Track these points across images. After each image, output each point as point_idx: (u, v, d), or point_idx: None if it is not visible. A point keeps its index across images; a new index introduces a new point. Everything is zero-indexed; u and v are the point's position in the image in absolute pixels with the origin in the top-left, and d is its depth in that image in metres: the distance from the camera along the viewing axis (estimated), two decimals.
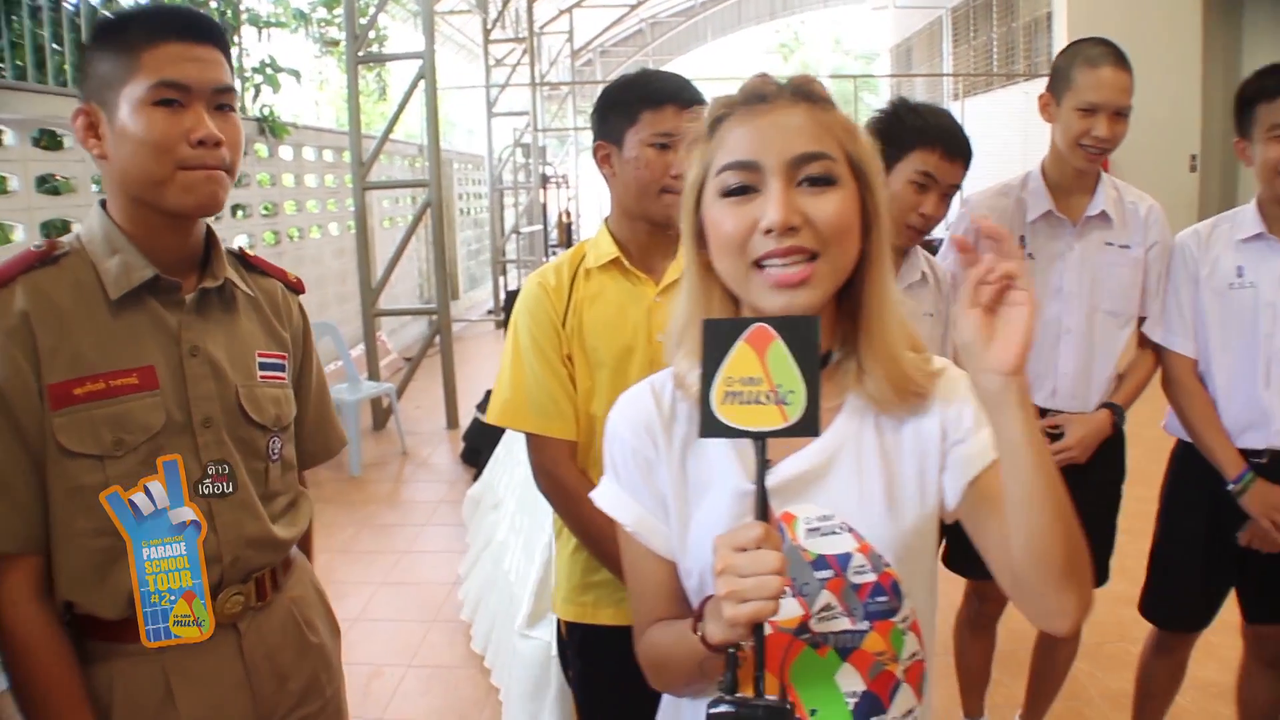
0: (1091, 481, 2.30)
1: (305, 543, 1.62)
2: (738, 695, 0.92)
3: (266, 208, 7.00)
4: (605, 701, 1.85)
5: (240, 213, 6.52)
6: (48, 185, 4.57)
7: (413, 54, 6.94)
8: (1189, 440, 2.28)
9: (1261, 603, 2.25)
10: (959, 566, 2.55)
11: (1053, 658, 2.62)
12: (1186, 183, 10.36)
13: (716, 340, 0.96)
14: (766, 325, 0.95)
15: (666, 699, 1.22)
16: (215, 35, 1.32)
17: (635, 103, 1.76)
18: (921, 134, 2.01)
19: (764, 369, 0.94)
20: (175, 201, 1.28)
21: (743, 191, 1.04)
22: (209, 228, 1.43)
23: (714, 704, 0.92)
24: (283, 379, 1.47)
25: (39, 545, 1.26)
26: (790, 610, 1.04)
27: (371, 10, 7.25)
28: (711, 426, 0.95)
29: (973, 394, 1.12)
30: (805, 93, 1.08)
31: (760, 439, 0.95)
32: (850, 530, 1.07)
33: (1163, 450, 2.44)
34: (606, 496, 1.18)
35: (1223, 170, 10.38)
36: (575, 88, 17.83)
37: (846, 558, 1.06)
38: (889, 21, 18.74)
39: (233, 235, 6.29)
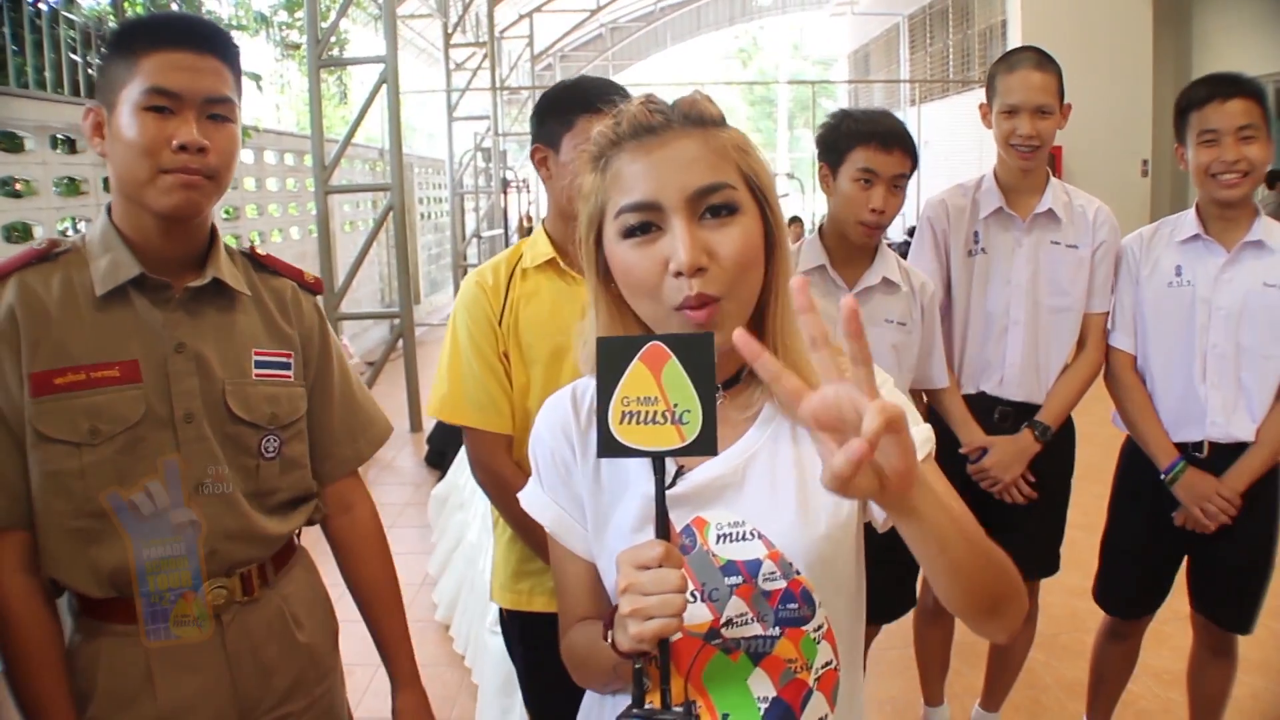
0: (1041, 475, 2.40)
1: (365, 545, 1.64)
2: (646, 707, 0.94)
3: (228, 211, 6.97)
4: (547, 686, 1.87)
5: (223, 212, 6.51)
6: (8, 189, 4.55)
7: (375, 58, 6.94)
8: None
9: (1204, 593, 2.35)
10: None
11: (1009, 647, 2.70)
12: (1138, 187, 10.63)
13: (611, 359, 0.94)
14: (661, 344, 0.93)
15: (589, 694, 1.23)
16: (217, 45, 1.35)
17: (572, 108, 1.81)
18: (856, 134, 2.11)
19: (660, 388, 0.93)
20: (154, 203, 1.32)
21: (645, 230, 1.02)
22: (214, 228, 1.46)
23: (622, 716, 0.94)
24: (286, 377, 1.49)
25: (24, 521, 1.32)
26: (700, 615, 1.04)
27: (333, 15, 7.24)
28: (609, 447, 0.94)
29: (896, 394, 1.13)
30: (696, 118, 1.05)
31: (658, 459, 0.94)
32: (761, 537, 1.07)
33: (1116, 448, 2.52)
34: (529, 497, 1.19)
35: (1173, 175, 10.67)
36: (535, 92, 17.86)
37: (756, 564, 1.06)
38: (847, 28, 18.98)
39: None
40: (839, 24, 19.18)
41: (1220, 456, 2.22)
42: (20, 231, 4.51)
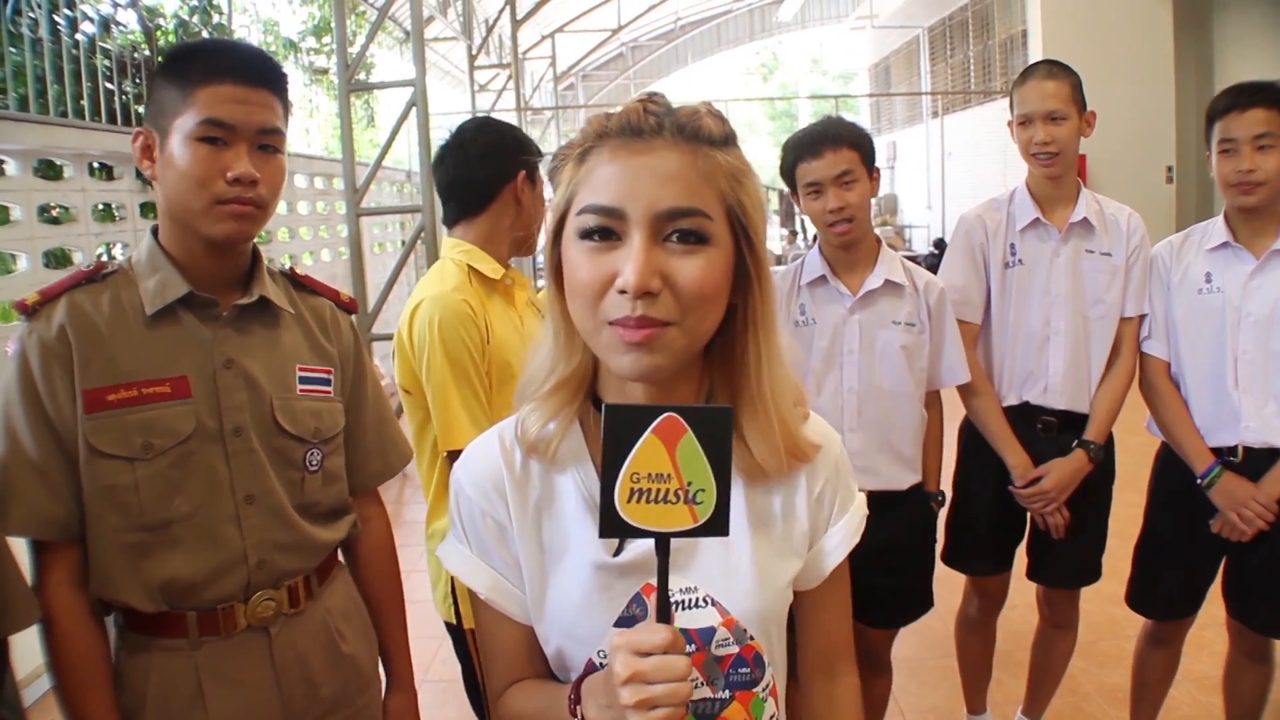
0: (1083, 483, 2.42)
1: (378, 558, 1.69)
2: None
3: (260, 236, 7.06)
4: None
5: None
6: (47, 216, 4.64)
7: (404, 82, 7.02)
8: None
9: (1240, 597, 2.36)
10: (957, 563, 2.64)
11: (1050, 654, 2.71)
12: (1163, 194, 10.58)
13: (621, 430, 0.86)
14: (678, 416, 0.86)
15: None
16: (270, 79, 1.41)
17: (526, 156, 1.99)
18: (793, 152, 2.22)
19: (674, 465, 0.86)
20: (207, 231, 1.38)
21: (604, 236, 0.93)
22: (255, 249, 1.52)
23: None
24: (327, 393, 1.54)
25: (76, 536, 1.36)
26: None
27: (360, 40, 7.35)
28: (614, 527, 0.87)
29: (844, 463, 1.14)
30: (691, 132, 0.95)
31: (663, 540, 0.88)
32: (714, 603, 1.02)
33: (1150, 454, 2.53)
34: (455, 558, 1.09)
35: (1199, 181, 10.61)
36: (559, 112, 17.97)
37: (710, 631, 1.02)
38: (867, 41, 19.00)
39: None
40: (859, 38, 19.22)
41: (1255, 461, 2.23)
42: (59, 257, 4.60)
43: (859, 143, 2.19)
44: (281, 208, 7.40)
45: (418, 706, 1.72)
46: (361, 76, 9.00)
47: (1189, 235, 2.39)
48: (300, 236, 7.86)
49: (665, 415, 0.86)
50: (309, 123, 10.64)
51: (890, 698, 3.12)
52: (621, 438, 0.86)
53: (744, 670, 1.04)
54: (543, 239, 1.05)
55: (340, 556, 1.66)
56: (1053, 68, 2.41)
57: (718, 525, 0.87)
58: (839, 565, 1.12)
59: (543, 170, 2.02)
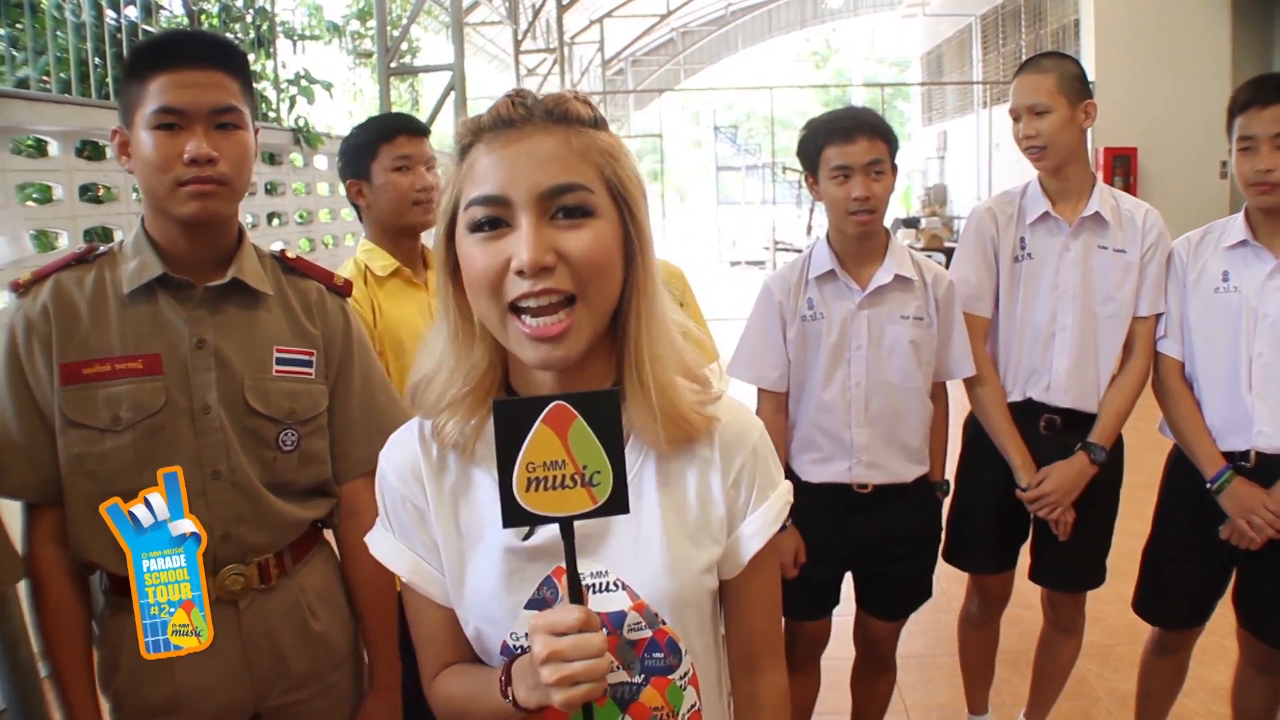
0: (1089, 485, 2.37)
1: (365, 553, 1.69)
2: None
3: (302, 215, 7.15)
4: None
5: (276, 220, 6.67)
6: (89, 194, 4.74)
7: (443, 66, 7.08)
8: None
9: (1250, 608, 2.30)
10: (956, 559, 2.61)
11: (1053, 657, 2.67)
12: (1216, 189, 10.31)
13: (511, 423, 0.89)
14: (566, 404, 0.89)
15: None
16: (219, 58, 1.46)
17: (373, 141, 2.15)
18: (821, 135, 2.20)
19: (567, 451, 0.89)
20: (175, 212, 1.45)
21: (493, 226, 0.96)
22: (241, 231, 1.57)
23: None
24: (307, 374, 1.58)
25: (55, 498, 1.46)
26: None
27: (403, 22, 7.40)
28: (516, 515, 0.90)
29: (764, 448, 1.13)
30: (560, 115, 0.99)
31: (568, 524, 0.91)
32: (625, 587, 1.04)
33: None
34: (380, 544, 1.13)
35: None
36: (607, 97, 17.97)
37: (621, 615, 1.03)
38: (919, 29, 18.74)
39: (267, 242, 6.42)
40: (911, 25, 18.95)
41: (1268, 467, 2.16)
42: (101, 235, 4.69)
43: (889, 136, 2.20)
44: (324, 188, 7.48)
45: (398, 709, 1.71)
46: (406, 60, 9.06)
47: (1207, 232, 2.31)
48: (342, 218, 7.93)
49: (553, 404, 0.89)
50: (353, 105, 10.72)
51: (898, 695, 3.11)
52: (512, 431, 0.89)
53: (658, 655, 1.06)
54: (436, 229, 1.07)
55: (323, 536, 1.69)
56: (1042, 60, 2.38)
57: (617, 504, 0.91)
58: (760, 555, 1.12)
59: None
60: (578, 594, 0.92)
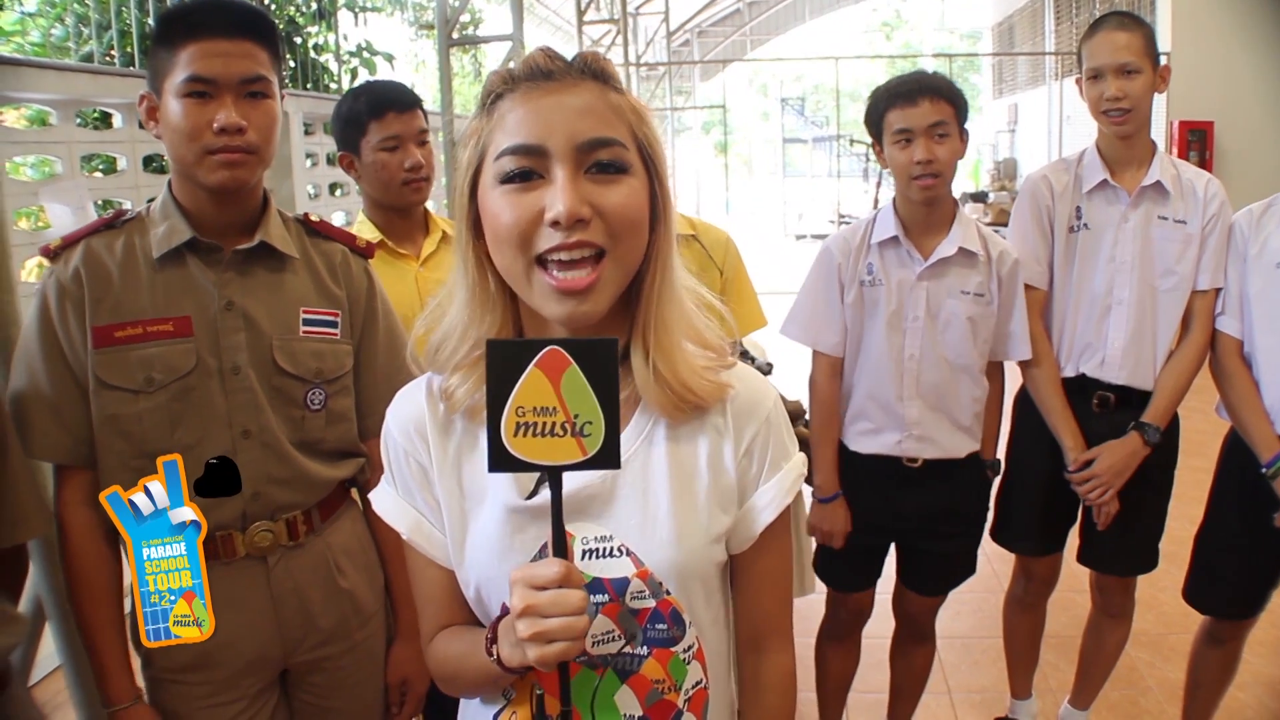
0: (1141, 466, 2.30)
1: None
2: None
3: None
4: None
5: (339, 191, 6.75)
6: (154, 165, 4.84)
7: (503, 36, 7.07)
8: None
9: None
10: (1004, 540, 2.56)
11: (1100, 643, 2.61)
12: None
13: (504, 364, 0.87)
14: (560, 349, 0.87)
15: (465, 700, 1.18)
16: (250, 28, 1.48)
17: (362, 115, 2.09)
18: (885, 100, 2.15)
19: (559, 398, 0.87)
20: (204, 180, 1.48)
21: (525, 178, 0.94)
22: (266, 195, 1.61)
23: None
24: (333, 335, 1.62)
25: (87, 461, 1.50)
26: None
27: None
28: (502, 460, 0.88)
29: (777, 419, 1.10)
30: (594, 70, 0.98)
31: (555, 473, 0.89)
32: (629, 554, 1.02)
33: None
34: (382, 500, 1.12)
35: None
36: (672, 68, 17.85)
37: (624, 582, 1.01)
38: None
39: (330, 211, 6.52)
40: None
41: None
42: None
43: (955, 98, 2.14)
44: None
45: (422, 657, 1.74)
46: (468, 31, 9.08)
47: (1271, 204, 2.20)
48: None
49: (548, 349, 0.86)
50: (415, 76, 10.79)
51: (940, 676, 3.07)
52: (504, 373, 0.87)
53: (661, 626, 1.03)
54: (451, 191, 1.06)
55: (352, 496, 1.72)
56: (1124, 19, 2.27)
57: (607, 457, 0.88)
58: (772, 528, 1.09)
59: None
60: (561, 548, 0.89)
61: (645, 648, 1.03)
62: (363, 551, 1.69)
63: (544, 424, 0.87)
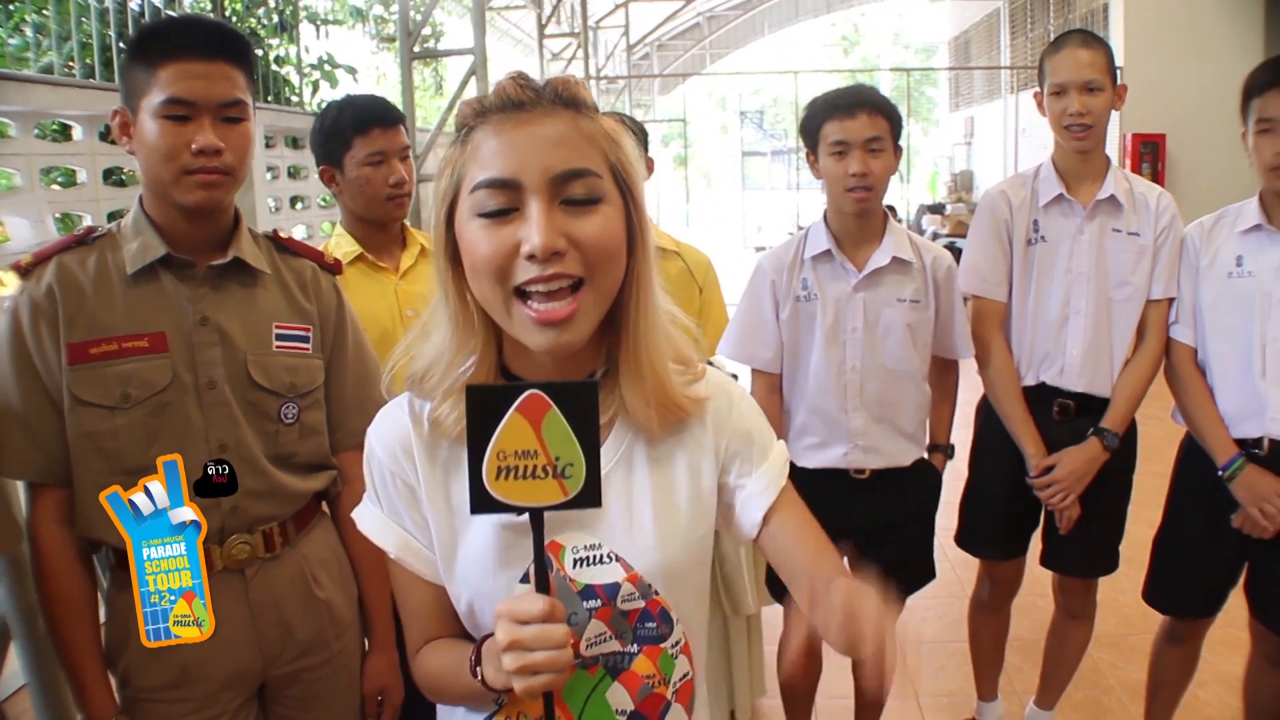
0: (1101, 471, 2.35)
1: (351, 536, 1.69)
2: None
3: (324, 200, 7.18)
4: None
5: (299, 204, 6.72)
6: (113, 178, 4.79)
7: (465, 50, 7.07)
8: None
9: (1262, 599, 2.27)
10: (968, 545, 2.61)
11: (1063, 644, 2.66)
12: (1248, 178, 10.12)
13: (484, 410, 0.87)
14: (541, 393, 0.87)
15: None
16: (230, 51, 1.49)
17: (346, 130, 2.09)
18: (822, 111, 2.18)
19: (540, 441, 0.87)
20: (179, 199, 1.48)
21: (501, 213, 0.94)
22: (237, 213, 1.61)
23: None
24: (305, 349, 1.62)
25: (61, 479, 1.48)
26: None
27: (425, 7, 7.40)
28: (483, 503, 0.89)
29: (750, 414, 1.14)
30: (566, 98, 0.98)
31: (537, 514, 0.90)
32: (618, 559, 1.04)
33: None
34: (369, 520, 1.11)
35: None
36: (632, 81, 17.92)
37: (615, 587, 1.04)
38: (947, 14, 18.55)
39: (291, 225, 6.48)
40: (938, 10, 18.77)
41: None
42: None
43: (891, 114, 2.17)
44: None
45: (397, 667, 1.76)
46: (429, 44, 9.07)
47: (1221, 216, 2.28)
48: None
49: (528, 393, 0.87)
50: (376, 89, 10.76)
51: (907, 680, 3.11)
52: (484, 417, 0.87)
53: (650, 625, 1.06)
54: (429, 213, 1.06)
55: (323, 508, 1.73)
56: (1086, 37, 2.33)
57: (588, 498, 0.89)
58: (776, 503, 1.11)
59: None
60: (544, 584, 0.91)
61: (636, 645, 1.06)
62: (337, 562, 1.70)
63: (525, 467, 0.88)
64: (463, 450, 1.01)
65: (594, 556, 1.04)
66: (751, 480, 1.12)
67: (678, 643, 1.09)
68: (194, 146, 1.44)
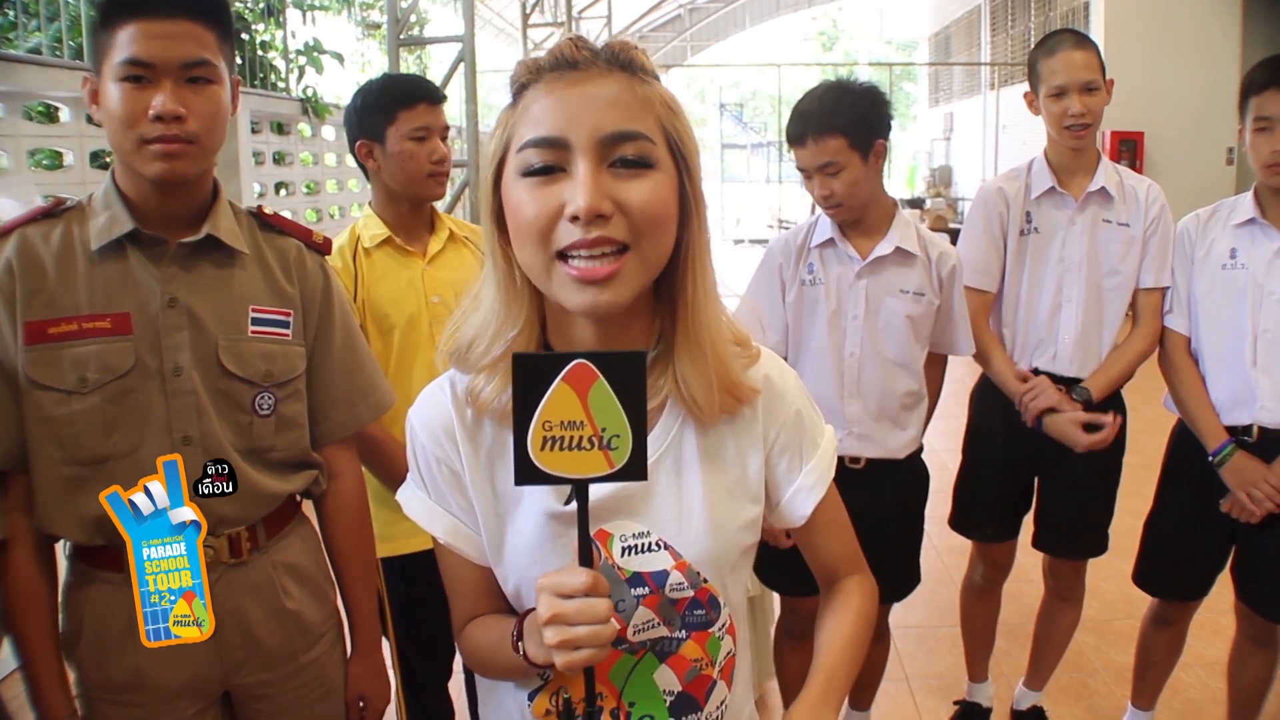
0: (1091, 454, 2.38)
1: (345, 516, 1.64)
2: None
3: (309, 186, 7.16)
4: (423, 623, 2.13)
5: (284, 190, 6.69)
6: (100, 161, 4.76)
7: (453, 37, 7.06)
8: None
9: (1248, 582, 2.33)
10: (963, 528, 2.66)
11: (1053, 626, 2.72)
12: (1222, 175, 10.30)
13: (530, 379, 0.85)
14: (588, 362, 0.85)
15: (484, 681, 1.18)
16: (194, 7, 1.36)
17: (392, 103, 2.07)
18: (788, 136, 2.21)
19: (586, 411, 0.86)
20: (141, 170, 1.36)
21: (546, 172, 0.91)
22: (216, 185, 1.49)
23: None
24: (284, 335, 1.51)
25: (19, 465, 1.39)
26: None
27: None
28: (528, 474, 0.87)
29: (801, 401, 1.13)
30: (623, 61, 0.95)
31: (582, 485, 0.88)
32: (667, 547, 1.03)
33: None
34: (415, 506, 1.10)
35: None
36: None
37: (663, 575, 1.02)
38: (928, 9, 18.65)
39: (276, 211, 6.44)
40: (919, 6, 18.87)
41: (1271, 442, 2.19)
42: None
43: (848, 128, 2.10)
44: (331, 159, 7.48)
45: (382, 670, 1.71)
46: (415, 32, 9.04)
47: (1216, 210, 2.35)
48: (349, 188, 7.95)
49: (575, 362, 0.85)
50: (361, 76, 10.72)
51: (898, 663, 3.16)
52: (530, 387, 0.85)
53: (699, 612, 1.05)
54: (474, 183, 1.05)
55: (312, 513, 1.64)
56: (1079, 38, 2.38)
57: (635, 470, 0.87)
58: (824, 499, 1.14)
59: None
60: (587, 557, 0.89)
61: (684, 631, 1.05)
62: (312, 569, 1.60)
63: (570, 438, 0.86)
64: (506, 433, 1.00)
65: (642, 544, 1.02)
66: (802, 475, 1.12)
67: (724, 625, 1.09)
68: (152, 112, 1.31)
